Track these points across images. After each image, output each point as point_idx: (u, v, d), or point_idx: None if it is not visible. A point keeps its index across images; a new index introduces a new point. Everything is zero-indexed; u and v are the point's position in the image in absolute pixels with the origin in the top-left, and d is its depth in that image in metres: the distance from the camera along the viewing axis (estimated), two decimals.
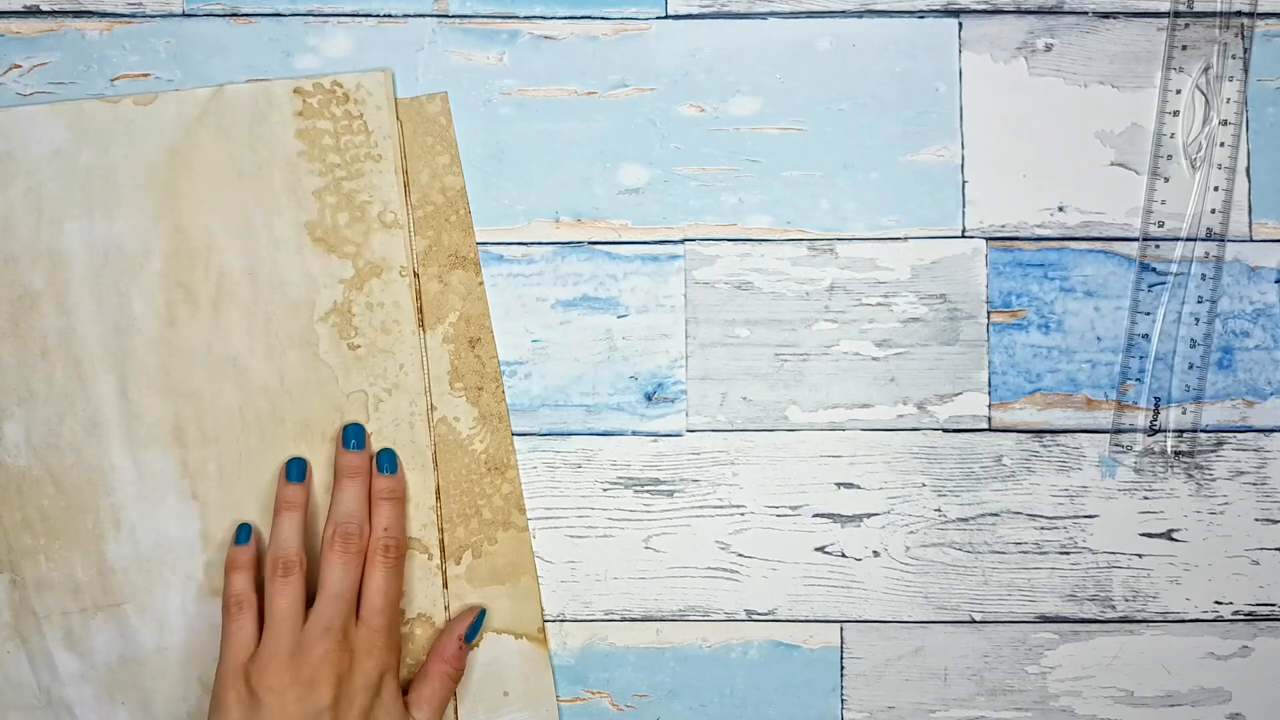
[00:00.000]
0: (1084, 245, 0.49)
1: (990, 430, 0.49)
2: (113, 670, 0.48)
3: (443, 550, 0.49)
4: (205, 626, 0.48)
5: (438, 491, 0.49)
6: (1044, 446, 0.49)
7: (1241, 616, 0.49)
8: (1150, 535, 0.49)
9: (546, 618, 0.49)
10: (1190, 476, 0.49)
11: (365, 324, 0.49)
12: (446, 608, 0.48)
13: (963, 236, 0.49)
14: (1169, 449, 0.49)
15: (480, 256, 0.49)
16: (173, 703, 0.48)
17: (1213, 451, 0.49)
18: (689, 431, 0.49)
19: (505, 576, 0.49)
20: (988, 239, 0.49)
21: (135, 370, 0.48)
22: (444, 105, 0.49)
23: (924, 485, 0.49)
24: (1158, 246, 0.49)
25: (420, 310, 0.49)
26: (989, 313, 0.49)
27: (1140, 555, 0.49)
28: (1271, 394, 0.49)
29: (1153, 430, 0.49)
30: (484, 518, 0.49)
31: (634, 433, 0.49)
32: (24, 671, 0.48)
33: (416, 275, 0.49)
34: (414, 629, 0.48)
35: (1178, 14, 0.49)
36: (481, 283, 0.49)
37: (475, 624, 0.48)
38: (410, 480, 0.48)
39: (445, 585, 0.49)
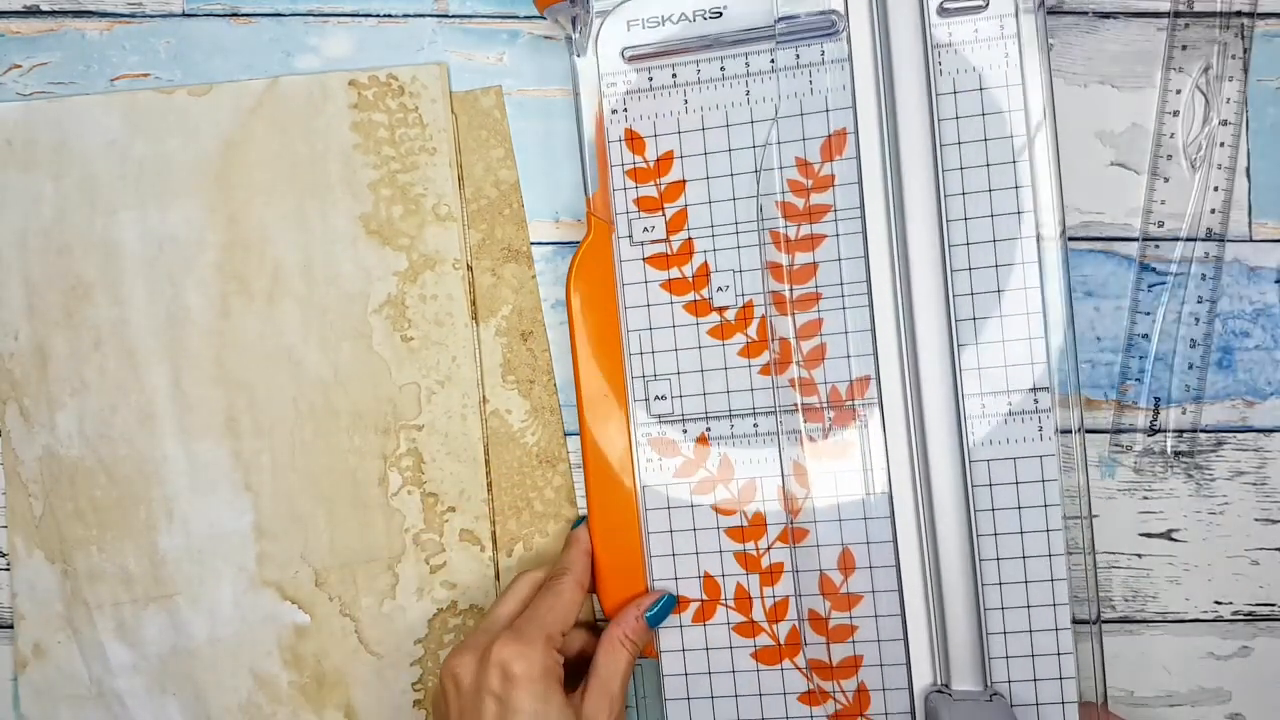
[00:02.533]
0: (1084, 245, 0.49)
1: None
2: (164, 661, 0.49)
3: (495, 542, 0.49)
4: (257, 618, 0.48)
5: (489, 484, 0.49)
6: None
7: (1241, 616, 0.49)
8: (1150, 535, 0.49)
9: None
10: (1190, 476, 0.49)
11: (418, 316, 0.49)
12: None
13: None
14: (1169, 449, 0.49)
15: None
16: (224, 694, 0.48)
17: (1212, 451, 0.49)
18: None
19: None
20: None
21: (188, 361, 0.49)
22: (498, 99, 0.49)
23: None
24: (1157, 246, 0.49)
25: (473, 303, 0.49)
26: None
27: (1140, 555, 0.49)
28: (1271, 394, 0.49)
29: (1153, 430, 0.49)
30: (535, 510, 0.49)
31: None
32: (75, 662, 0.49)
33: (470, 268, 0.49)
34: (466, 621, 0.49)
35: (1178, 14, 0.49)
36: (534, 276, 0.49)
37: (659, 605, 0.44)
38: (462, 473, 0.49)
39: (497, 577, 0.49)
